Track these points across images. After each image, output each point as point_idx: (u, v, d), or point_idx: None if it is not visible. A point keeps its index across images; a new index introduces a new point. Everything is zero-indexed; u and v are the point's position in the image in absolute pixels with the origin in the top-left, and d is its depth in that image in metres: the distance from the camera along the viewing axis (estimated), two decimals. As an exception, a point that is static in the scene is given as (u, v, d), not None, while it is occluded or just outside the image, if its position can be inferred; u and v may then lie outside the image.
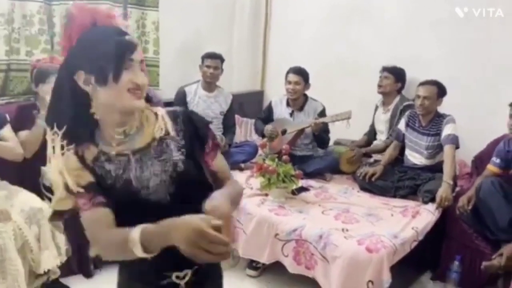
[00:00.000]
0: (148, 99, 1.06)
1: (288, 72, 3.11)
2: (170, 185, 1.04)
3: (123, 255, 0.94)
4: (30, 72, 2.45)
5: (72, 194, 0.99)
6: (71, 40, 1.00)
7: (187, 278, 1.08)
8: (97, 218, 0.98)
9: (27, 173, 2.37)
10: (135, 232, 0.90)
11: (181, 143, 1.07)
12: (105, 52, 0.95)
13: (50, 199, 2.35)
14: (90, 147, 1.03)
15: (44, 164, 2.38)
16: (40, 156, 2.37)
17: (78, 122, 1.00)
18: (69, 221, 2.30)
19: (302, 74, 3.08)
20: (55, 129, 0.98)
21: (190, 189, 1.04)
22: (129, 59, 0.98)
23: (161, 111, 1.09)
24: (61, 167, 0.98)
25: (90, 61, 0.97)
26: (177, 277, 1.07)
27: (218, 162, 1.14)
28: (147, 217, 0.92)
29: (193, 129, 1.10)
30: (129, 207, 1.00)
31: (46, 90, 2.23)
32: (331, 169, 3.12)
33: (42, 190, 2.40)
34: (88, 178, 1.00)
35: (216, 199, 0.95)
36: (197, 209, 0.93)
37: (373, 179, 2.84)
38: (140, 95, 1.00)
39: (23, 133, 2.33)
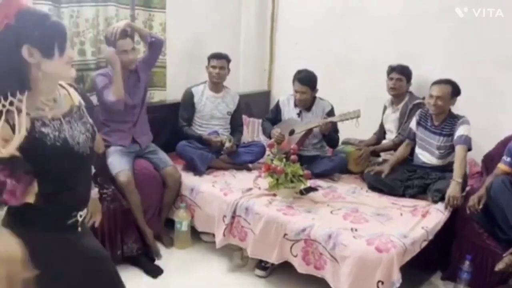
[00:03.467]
0: None
1: (294, 79, 3.07)
2: (90, 141, 1.31)
3: None
4: None
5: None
6: (8, 17, 1.09)
7: (84, 214, 1.34)
8: None
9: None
10: None
11: (88, 112, 1.36)
12: (51, 31, 1.14)
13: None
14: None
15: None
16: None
17: (19, 88, 1.10)
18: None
19: (308, 83, 3.03)
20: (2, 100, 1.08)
21: (94, 145, 1.35)
22: (65, 41, 1.17)
23: (67, 85, 1.31)
24: None
25: (36, 37, 1.11)
26: (80, 215, 1.32)
27: None
28: (76, 165, 1.26)
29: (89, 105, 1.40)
30: (66, 159, 1.22)
31: None
32: (339, 169, 3.10)
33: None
34: (13, 151, 1.08)
35: None
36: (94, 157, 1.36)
37: (383, 175, 2.83)
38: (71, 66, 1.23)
39: None
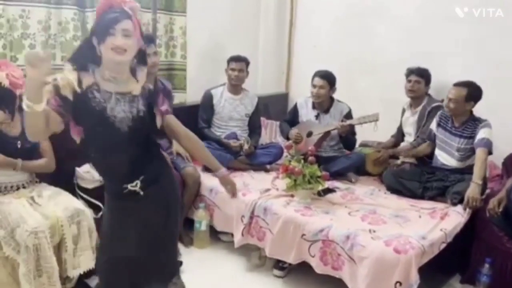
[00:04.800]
0: (134, 71, 1.60)
1: (314, 76, 3.12)
2: (130, 121, 1.55)
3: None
4: None
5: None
6: (95, 20, 1.57)
7: (139, 185, 1.62)
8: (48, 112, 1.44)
9: (60, 174, 2.47)
10: None
11: (146, 103, 1.60)
12: (101, 23, 1.50)
13: (83, 199, 2.44)
14: (90, 76, 1.52)
15: (77, 165, 2.49)
16: (73, 158, 2.48)
17: (90, 61, 1.53)
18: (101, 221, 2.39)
19: (327, 78, 3.08)
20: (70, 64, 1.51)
21: (142, 129, 1.59)
22: (112, 29, 1.47)
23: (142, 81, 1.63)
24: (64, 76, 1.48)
25: (95, 28, 1.52)
26: (131, 186, 1.61)
27: (170, 121, 1.70)
28: (110, 136, 1.53)
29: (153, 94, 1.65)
30: (101, 125, 1.52)
31: None
32: (356, 167, 3.10)
33: (76, 190, 2.50)
34: (66, 93, 1.46)
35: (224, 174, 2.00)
36: (142, 140, 1.62)
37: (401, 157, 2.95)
38: (121, 53, 1.48)
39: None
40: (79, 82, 1.48)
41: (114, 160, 1.58)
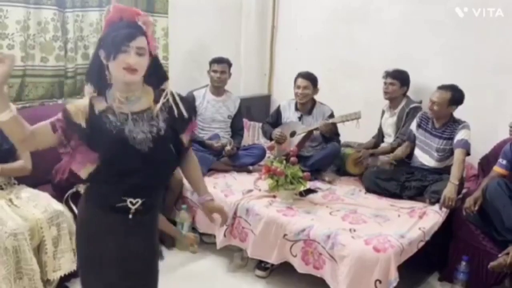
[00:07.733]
0: (150, 81, 1.44)
1: (297, 77, 3.16)
2: (151, 142, 1.39)
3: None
4: None
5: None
6: (104, 30, 1.40)
7: (137, 205, 1.42)
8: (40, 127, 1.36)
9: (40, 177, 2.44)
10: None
11: (167, 118, 1.44)
12: (111, 40, 1.33)
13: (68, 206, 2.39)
14: (102, 101, 1.39)
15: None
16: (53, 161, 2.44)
17: (101, 81, 1.40)
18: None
19: (311, 78, 3.12)
20: (89, 85, 1.41)
21: (163, 148, 1.42)
22: (125, 46, 1.32)
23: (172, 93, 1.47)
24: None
25: (105, 44, 1.35)
26: (131, 202, 1.41)
27: (188, 142, 1.53)
28: (130, 158, 1.37)
29: (181, 118, 1.47)
30: (119, 148, 1.36)
31: None
32: (332, 157, 3.13)
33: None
34: (79, 120, 1.35)
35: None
36: (164, 160, 1.44)
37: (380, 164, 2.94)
38: (133, 72, 1.34)
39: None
40: (91, 107, 1.37)
41: (129, 183, 1.39)
